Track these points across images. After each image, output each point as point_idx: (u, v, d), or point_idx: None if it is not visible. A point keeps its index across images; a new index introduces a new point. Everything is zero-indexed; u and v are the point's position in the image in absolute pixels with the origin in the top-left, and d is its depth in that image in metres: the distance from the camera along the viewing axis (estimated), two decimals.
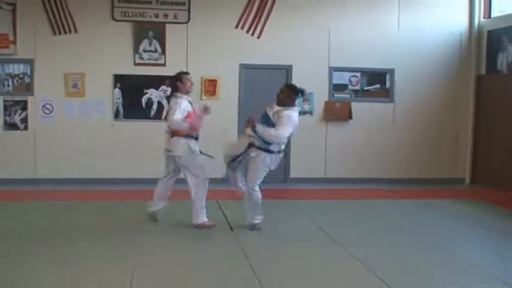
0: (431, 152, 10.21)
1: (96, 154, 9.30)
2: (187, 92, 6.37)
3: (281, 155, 6.26)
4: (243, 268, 4.95)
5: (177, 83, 6.39)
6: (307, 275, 4.88)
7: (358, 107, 9.96)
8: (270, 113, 6.10)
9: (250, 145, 6.14)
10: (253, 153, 6.12)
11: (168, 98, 6.41)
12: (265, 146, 6.06)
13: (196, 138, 6.34)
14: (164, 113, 6.50)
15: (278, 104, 6.09)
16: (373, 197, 8.79)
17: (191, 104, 6.38)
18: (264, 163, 6.12)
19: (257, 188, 6.23)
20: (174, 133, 6.27)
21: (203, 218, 6.37)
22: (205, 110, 6.42)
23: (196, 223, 6.34)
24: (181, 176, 6.46)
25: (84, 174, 9.31)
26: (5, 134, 9.16)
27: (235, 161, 6.24)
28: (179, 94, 6.31)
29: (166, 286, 4.64)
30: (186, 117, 6.18)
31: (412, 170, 10.09)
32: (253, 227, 6.35)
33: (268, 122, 6.03)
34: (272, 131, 5.94)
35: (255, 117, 6.05)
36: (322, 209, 6.75)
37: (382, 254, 5.54)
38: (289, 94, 6.13)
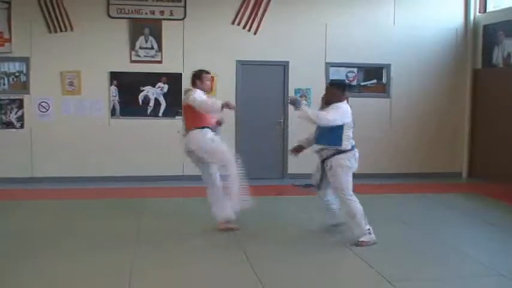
0: (428, 147, 10.24)
1: (93, 152, 9.28)
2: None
3: (356, 152, 5.74)
4: (243, 268, 4.93)
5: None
6: (309, 275, 4.86)
7: (355, 103, 9.85)
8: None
9: (323, 161, 5.77)
10: (328, 165, 5.70)
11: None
12: (336, 148, 5.65)
13: None
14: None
15: (327, 104, 5.75)
16: (370, 192, 8.77)
17: None
18: (344, 166, 5.64)
19: (351, 196, 5.71)
20: None
21: None
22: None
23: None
24: None
25: (81, 172, 9.29)
26: (1, 132, 9.12)
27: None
28: None
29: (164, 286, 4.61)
30: None
31: (409, 165, 10.12)
32: (358, 244, 5.62)
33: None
34: (318, 112, 5.61)
35: (296, 97, 5.68)
36: (320, 206, 6.74)
37: (383, 249, 5.54)
38: (335, 91, 5.81)
